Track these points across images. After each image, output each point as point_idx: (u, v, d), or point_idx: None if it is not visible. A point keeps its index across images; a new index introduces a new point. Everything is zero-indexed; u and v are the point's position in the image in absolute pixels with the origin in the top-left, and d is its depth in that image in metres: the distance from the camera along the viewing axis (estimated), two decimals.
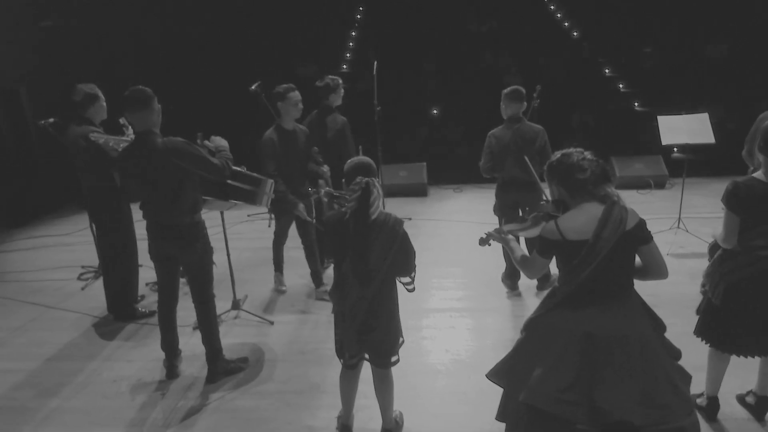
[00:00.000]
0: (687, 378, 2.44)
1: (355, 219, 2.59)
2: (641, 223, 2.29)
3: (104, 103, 4.35)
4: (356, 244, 2.60)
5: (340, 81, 5.20)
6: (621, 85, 10.39)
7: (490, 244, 2.76)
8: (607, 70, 10.72)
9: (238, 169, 3.80)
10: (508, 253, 4.80)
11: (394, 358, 2.85)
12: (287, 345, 4.06)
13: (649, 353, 2.27)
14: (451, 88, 9.84)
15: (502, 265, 4.99)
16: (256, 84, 6.09)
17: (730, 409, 3.15)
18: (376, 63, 6.36)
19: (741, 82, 9.20)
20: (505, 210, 4.61)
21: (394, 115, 8.62)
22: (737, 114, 8.50)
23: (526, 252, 2.78)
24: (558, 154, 2.40)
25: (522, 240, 4.43)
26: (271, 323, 4.40)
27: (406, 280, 2.77)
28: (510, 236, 2.71)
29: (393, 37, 11.47)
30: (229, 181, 3.58)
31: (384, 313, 2.74)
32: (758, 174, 2.72)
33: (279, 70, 10.35)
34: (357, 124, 9.86)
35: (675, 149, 7.93)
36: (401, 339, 2.89)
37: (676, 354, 2.46)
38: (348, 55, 12.01)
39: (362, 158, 2.74)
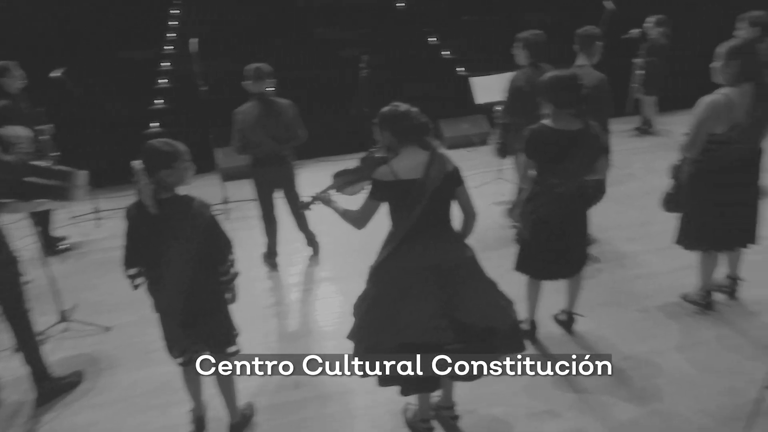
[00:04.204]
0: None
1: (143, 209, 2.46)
2: (457, 168, 2.67)
3: None
4: (158, 234, 2.49)
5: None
6: (444, 53, 11.01)
7: (310, 209, 2.88)
8: (431, 39, 11.27)
9: (40, 164, 3.39)
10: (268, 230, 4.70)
11: (232, 349, 2.79)
12: (128, 348, 3.80)
13: (480, 271, 2.73)
14: (285, 64, 9.65)
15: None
16: (61, 70, 5.43)
17: (547, 329, 3.62)
18: (197, 41, 5.98)
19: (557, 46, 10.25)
20: (262, 189, 4.59)
21: (223, 96, 8.23)
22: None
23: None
24: (389, 105, 2.68)
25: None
26: (107, 329, 4.06)
27: (221, 269, 2.66)
28: (332, 197, 2.84)
29: (218, 14, 10.87)
30: (25, 179, 3.16)
31: (206, 304, 2.65)
32: (547, 121, 3.10)
33: (98, 53, 9.27)
34: (182, 107, 9.18)
35: (496, 107, 8.66)
36: (235, 331, 2.82)
37: None
38: (169, 34, 11.14)
39: (153, 142, 2.54)
